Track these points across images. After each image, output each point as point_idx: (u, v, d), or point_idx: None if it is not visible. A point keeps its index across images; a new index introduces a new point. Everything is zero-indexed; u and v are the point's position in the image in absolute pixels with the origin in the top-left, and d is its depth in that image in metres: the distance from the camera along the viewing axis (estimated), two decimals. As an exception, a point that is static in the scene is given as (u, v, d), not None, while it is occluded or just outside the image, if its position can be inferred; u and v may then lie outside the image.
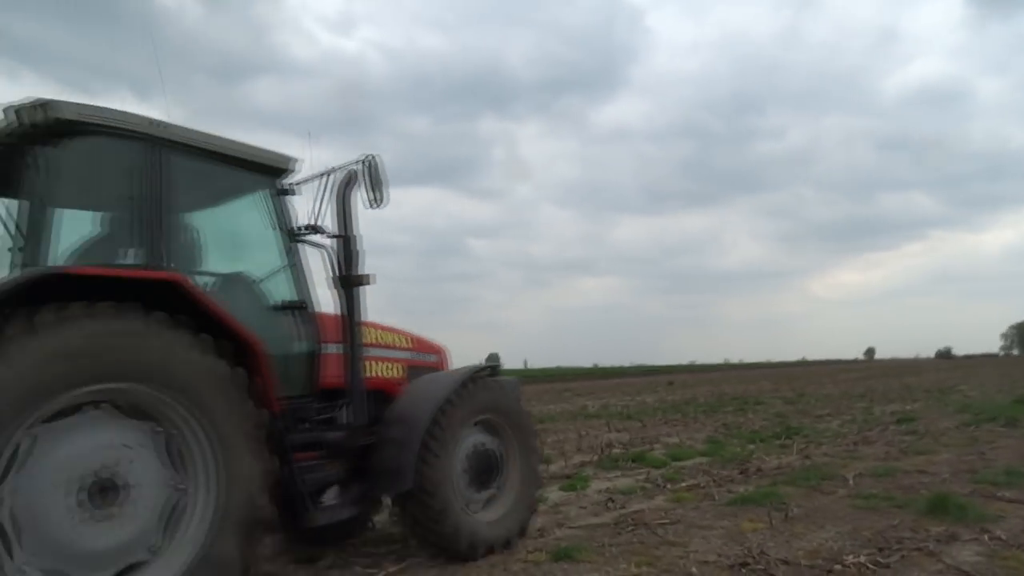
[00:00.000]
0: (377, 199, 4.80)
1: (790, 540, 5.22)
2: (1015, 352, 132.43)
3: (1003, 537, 5.06)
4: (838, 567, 4.52)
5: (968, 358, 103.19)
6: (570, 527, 5.91)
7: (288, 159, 4.68)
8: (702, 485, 7.61)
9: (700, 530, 5.65)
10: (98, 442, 3.32)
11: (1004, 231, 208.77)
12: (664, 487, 7.67)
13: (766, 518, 5.84)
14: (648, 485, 7.79)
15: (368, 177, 4.78)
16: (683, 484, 7.73)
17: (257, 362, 3.87)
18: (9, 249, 3.84)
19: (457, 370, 5.50)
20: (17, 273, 3.63)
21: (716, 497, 6.94)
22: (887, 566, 4.52)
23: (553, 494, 7.37)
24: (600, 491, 7.52)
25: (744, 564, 4.62)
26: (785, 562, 4.66)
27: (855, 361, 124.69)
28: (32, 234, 3.80)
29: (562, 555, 4.95)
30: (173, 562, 3.47)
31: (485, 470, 5.19)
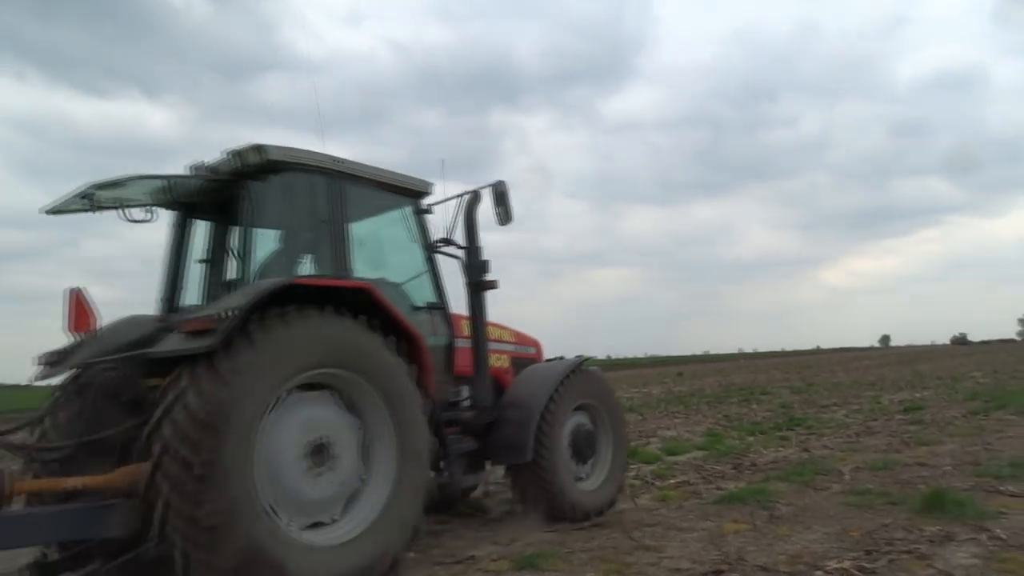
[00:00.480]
0: (505, 217, 5.79)
1: (772, 543, 4.88)
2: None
3: (1003, 537, 4.70)
4: (819, 574, 4.18)
5: (984, 344, 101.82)
6: (542, 531, 5.59)
7: (427, 184, 5.63)
8: (691, 482, 7.28)
9: (679, 532, 5.32)
10: (317, 415, 4.24)
11: (1021, 215, 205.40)
12: (652, 485, 7.35)
13: (751, 518, 5.52)
14: (636, 483, 7.47)
15: (496, 199, 5.77)
16: (672, 481, 7.41)
17: (420, 355, 4.81)
18: (201, 262, 5.15)
19: (562, 362, 6.31)
20: (224, 282, 4.98)
21: (703, 495, 6.62)
22: (873, 572, 4.17)
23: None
24: (584, 490, 7.21)
25: (718, 572, 4.29)
26: (763, 568, 4.33)
27: (870, 349, 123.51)
28: (242, 251, 4.77)
29: (526, 563, 4.64)
30: (362, 514, 4.32)
31: (584, 448, 6.09)
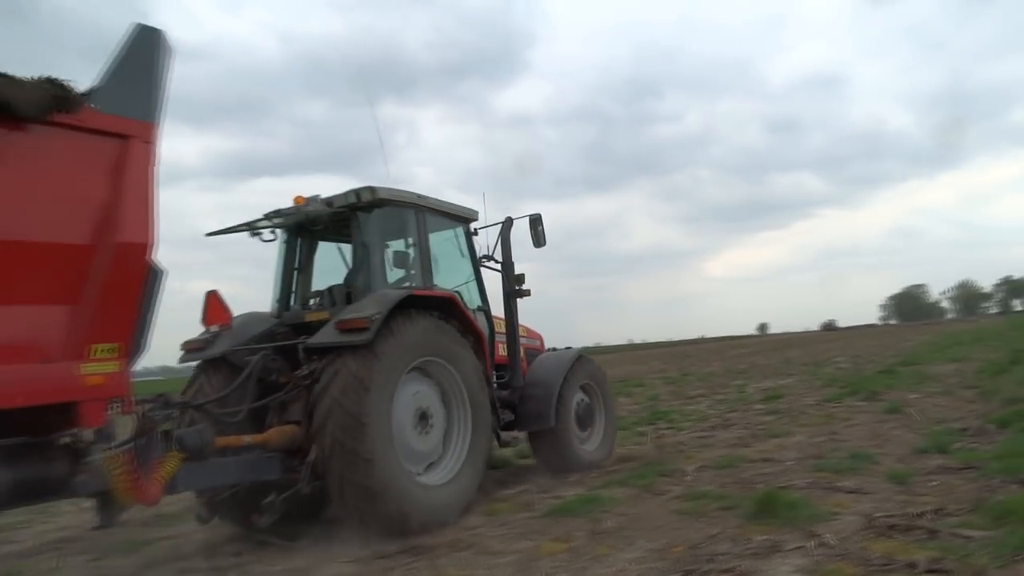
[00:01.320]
0: (538, 242, 7.35)
1: (587, 566, 4.30)
2: (892, 322, 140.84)
3: (831, 543, 4.30)
4: (625, 607, 3.61)
5: (850, 329, 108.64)
6: (345, 561, 4.82)
7: (475, 212, 7.12)
8: (527, 491, 6.67)
9: (490, 557, 4.67)
10: (421, 390, 5.74)
11: (882, 208, 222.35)
12: (490, 494, 6.70)
13: (574, 535, 4.94)
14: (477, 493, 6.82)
15: (532, 226, 7.33)
16: (507, 492, 6.78)
17: (483, 348, 6.35)
18: (291, 274, 6.58)
19: (568, 352, 7.91)
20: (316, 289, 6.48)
21: (535, 507, 6.01)
22: (685, 599, 3.64)
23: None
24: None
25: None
26: (565, 603, 3.73)
27: (749, 336, 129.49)
28: (352, 265, 6.27)
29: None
30: (450, 464, 5.83)
31: (585, 418, 7.69)
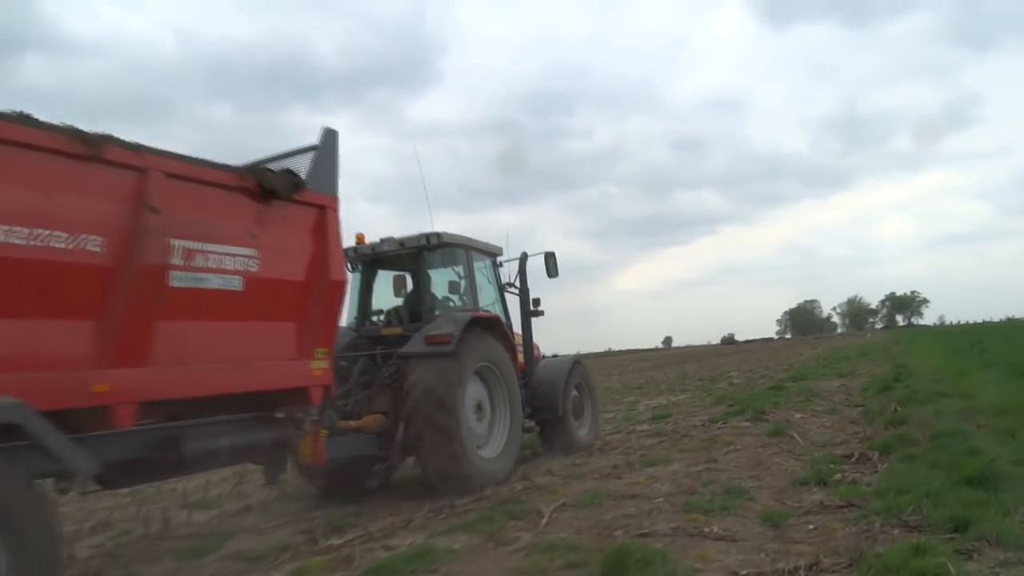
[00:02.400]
0: (553, 273, 9.18)
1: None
2: (788, 336, 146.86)
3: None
4: None
5: (748, 343, 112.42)
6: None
7: (500, 248, 9.03)
8: (357, 540, 5.63)
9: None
10: (477, 388, 7.54)
11: (779, 226, 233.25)
12: (317, 543, 5.63)
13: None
14: (299, 537, 5.76)
15: (546, 261, 9.16)
16: (334, 540, 5.70)
17: (515, 357, 8.30)
18: (367, 297, 8.51)
19: (566, 358, 9.84)
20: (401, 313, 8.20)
21: (355, 562, 4.99)
22: None
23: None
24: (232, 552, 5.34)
25: None
26: None
27: (654, 350, 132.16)
28: (418, 290, 8.19)
29: None
30: (496, 443, 7.66)
31: (579, 409, 9.53)
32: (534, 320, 9.21)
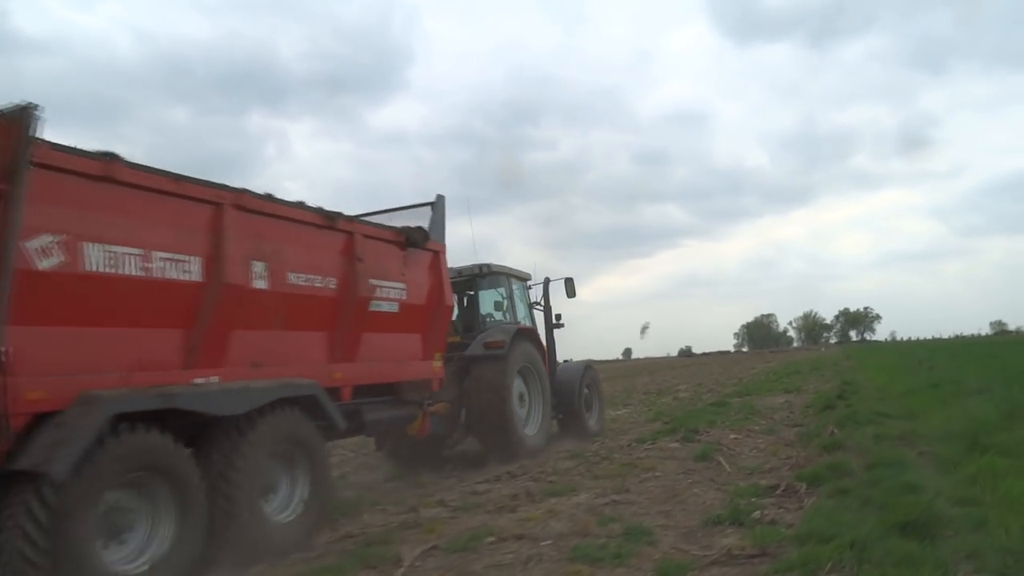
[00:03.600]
0: (571, 294, 11.90)
1: None
2: (744, 349, 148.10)
3: None
4: None
5: (705, 355, 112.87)
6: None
7: (529, 274, 11.47)
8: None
9: None
10: (519, 384, 9.71)
11: (740, 240, 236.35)
12: None
13: None
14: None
15: (566, 284, 11.75)
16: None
17: (546, 361, 10.72)
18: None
19: (579, 363, 12.57)
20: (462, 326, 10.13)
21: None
22: None
23: None
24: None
25: None
26: None
27: (612, 361, 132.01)
28: (473, 307, 10.49)
29: None
30: (534, 426, 9.91)
31: (588, 404, 11.68)
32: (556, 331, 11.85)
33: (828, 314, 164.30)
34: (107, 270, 4.50)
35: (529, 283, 11.57)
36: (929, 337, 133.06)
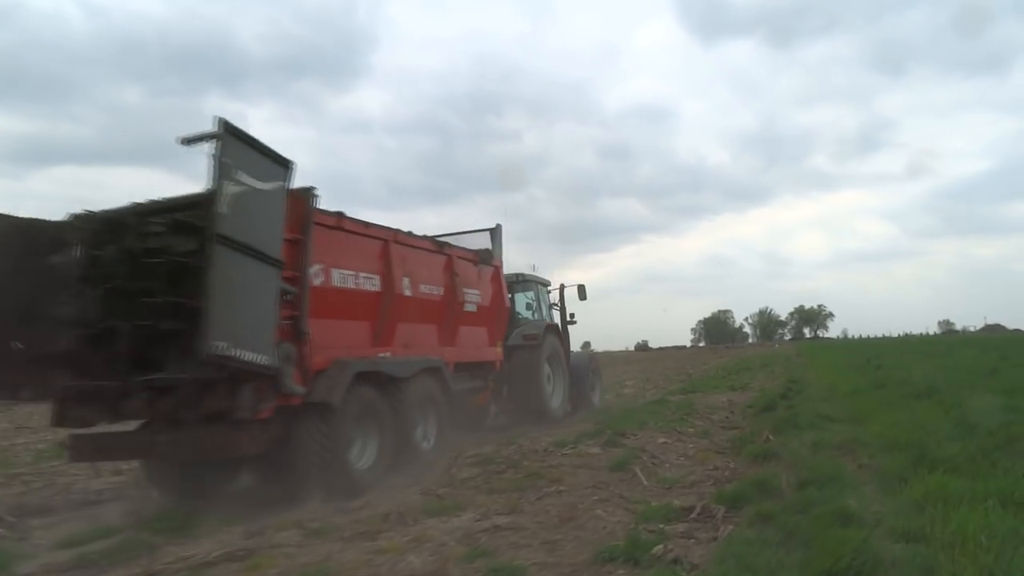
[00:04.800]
0: (582, 296, 14.49)
1: None
2: (701, 344, 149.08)
3: None
4: None
5: (660, 350, 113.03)
6: None
7: (549, 281, 14.24)
8: None
9: None
10: (546, 367, 12.28)
11: (700, 237, 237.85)
12: None
13: None
14: None
15: (579, 289, 14.38)
16: None
17: (566, 348, 13.61)
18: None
19: (587, 352, 18.46)
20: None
21: None
22: None
23: None
24: None
25: None
26: None
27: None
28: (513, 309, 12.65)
29: None
30: (557, 398, 12.65)
31: (592, 385, 14.40)
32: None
33: (783, 311, 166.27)
34: (342, 285, 7.46)
35: (549, 288, 14.30)
36: (879, 335, 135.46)
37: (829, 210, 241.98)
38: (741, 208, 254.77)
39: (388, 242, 8.19)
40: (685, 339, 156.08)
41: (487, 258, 10.82)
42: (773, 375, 25.21)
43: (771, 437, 8.00)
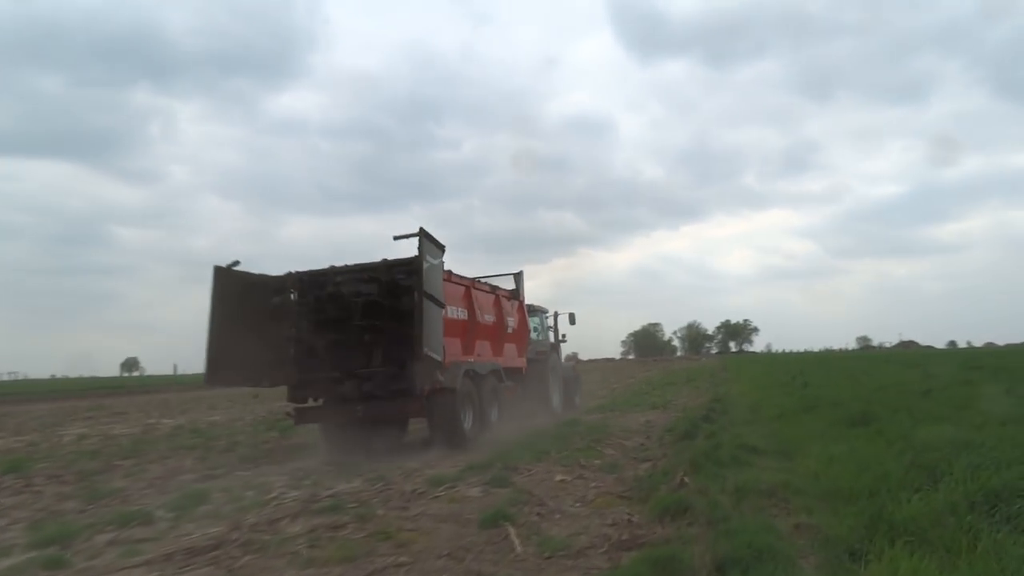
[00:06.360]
0: (572, 322, 18.93)
1: None
2: (631, 356, 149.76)
3: None
4: None
5: (590, 362, 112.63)
6: None
7: (547, 308, 18.62)
8: None
9: None
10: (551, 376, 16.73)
11: (633, 251, 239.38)
12: None
13: None
14: None
15: (570, 317, 18.96)
16: None
17: (560, 361, 18.57)
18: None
19: (571, 364, 22.17)
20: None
21: None
22: None
23: None
24: None
25: None
26: None
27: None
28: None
29: None
30: (556, 399, 16.43)
31: (576, 389, 18.42)
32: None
33: (711, 325, 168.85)
34: (454, 316, 11.35)
35: (547, 314, 18.32)
36: (802, 350, 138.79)
37: (757, 228, 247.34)
38: (673, 224, 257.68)
39: (468, 287, 12.35)
40: (615, 351, 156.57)
41: (516, 295, 15.10)
42: (698, 390, 24.15)
43: (686, 480, 6.45)
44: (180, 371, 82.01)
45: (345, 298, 10.72)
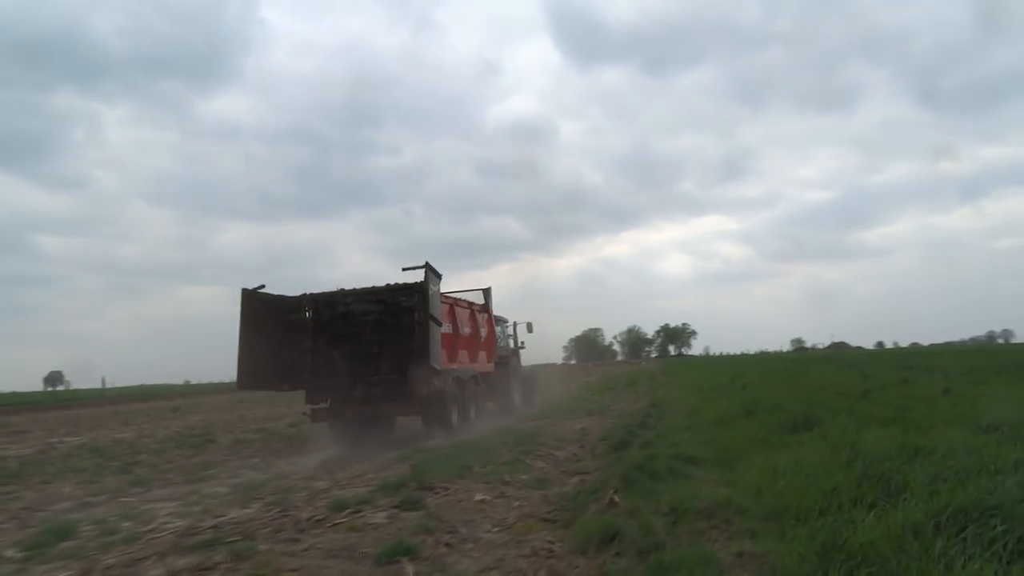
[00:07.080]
0: (529, 331, 20.83)
1: None
2: (572, 361, 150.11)
3: None
4: None
5: (531, 367, 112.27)
6: None
7: (508, 319, 20.28)
8: None
9: None
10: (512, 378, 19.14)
11: (575, 257, 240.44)
12: None
13: None
14: None
15: (527, 325, 20.90)
16: None
17: (519, 365, 20.77)
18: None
19: (530, 368, 21.90)
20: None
21: None
22: None
23: None
24: None
25: None
26: None
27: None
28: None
29: None
30: (518, 398, 18.84)
31: (534, 392, 21.04)
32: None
33: (650, 329, 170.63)
34: (444, 330, 13.01)
35: (507, 323, 19.90)
36: (739, 352, 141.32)
37: (695, 233, 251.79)
38: (614, 229, 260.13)
39: (452, 305, 14.21)
40: (557, 356, 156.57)
41: (487, 308, 16.94)
42: (636, 394, 23.66)
43: (615, 498, 5.73)
44: (108, 384, 78.20)
45: (356, 316, 13.10)
